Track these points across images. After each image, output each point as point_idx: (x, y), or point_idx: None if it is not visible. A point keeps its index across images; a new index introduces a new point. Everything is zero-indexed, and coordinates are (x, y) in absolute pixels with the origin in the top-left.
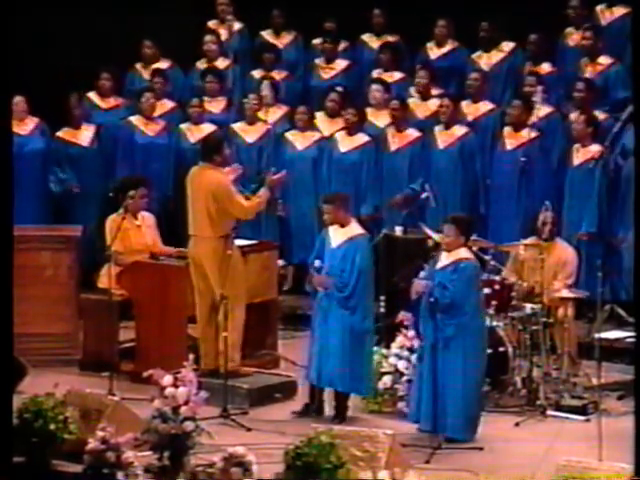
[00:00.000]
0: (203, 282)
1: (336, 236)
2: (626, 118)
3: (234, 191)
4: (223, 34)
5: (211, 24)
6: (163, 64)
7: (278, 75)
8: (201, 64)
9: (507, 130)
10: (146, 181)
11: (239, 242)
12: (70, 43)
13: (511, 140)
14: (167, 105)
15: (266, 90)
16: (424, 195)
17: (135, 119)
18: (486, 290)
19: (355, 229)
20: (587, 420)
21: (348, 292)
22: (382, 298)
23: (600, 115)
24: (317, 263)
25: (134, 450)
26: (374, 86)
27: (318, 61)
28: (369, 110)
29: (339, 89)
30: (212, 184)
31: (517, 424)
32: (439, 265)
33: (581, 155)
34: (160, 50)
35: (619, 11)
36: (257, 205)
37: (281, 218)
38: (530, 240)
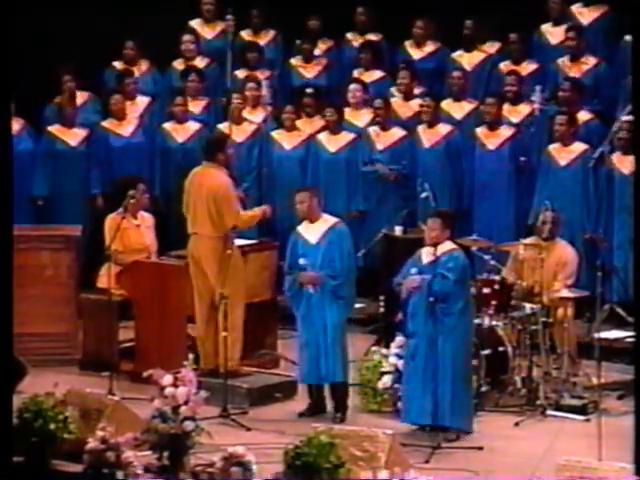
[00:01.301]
0: (202, 281)
1: (311, 233)
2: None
3: (234, 197)
4: (208, 33)
5: (193, 23)
6: (143, 65)
7: (261, 74)
8: (178, 63)
9: (482, 130)
10: (143, 179)
11: (239, 242)
12: (70, 43)
13: (490, 139)
14: (143, 102)
15: (265, 90)
16: (424, 195)
17: (107, 122)
18: (486, 290)
19: (330, 220)
20: (587, 420)
21: (341, 280)
22: (381, 298)
23: (586, 115)
24: (302, 261)
25: (134, 450)
26: (353, 86)
27: (295, 61)
28: (348, 110)
29: (309, 90)
30: (214, 185)
31: (517, 424)
32: (427, 260)
33: (566, 155)
34: (141, 51)
35: (598, 10)
36: (249, 219)
37: (269, 218)
38: (530, 240)
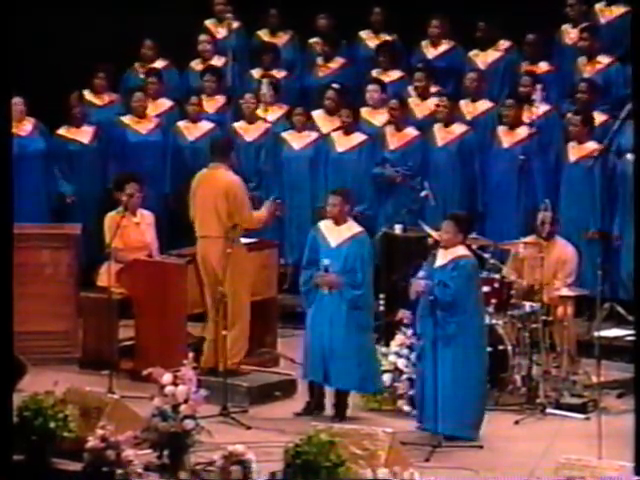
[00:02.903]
0: (213, 284)
1: (333, 235)
2: (624, 116)
3: (246, 196)
4: (221, 32)
5: (207, 23)
6: (160, 63)
7: (278, 74)
8: (196, 64)
9: (502, 129)
10: (136, 177)
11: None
12: (70, 43)
13: (507, 138)
14: (165, 104)
15: (265, 89)
16: (423, 193)
17: (127, 118)
18: (486, 288)
19: (354, 227)
20: (587, 418)
21: (363, 290)
22: (381, 296)
23: (601, 115)
24: (327, 262)
25: (134, 448)
26: (371, 86)
27: (318, 60)
28: (366, 109)
29: (336, 86)
30: (225, 184)
31: (517, 422)
32: (437, 263)
33: (577, 152)
34: (158, 49)
35: (618, 10)
36: (261, 219)
37: (278, 218)
38: (530, 238)
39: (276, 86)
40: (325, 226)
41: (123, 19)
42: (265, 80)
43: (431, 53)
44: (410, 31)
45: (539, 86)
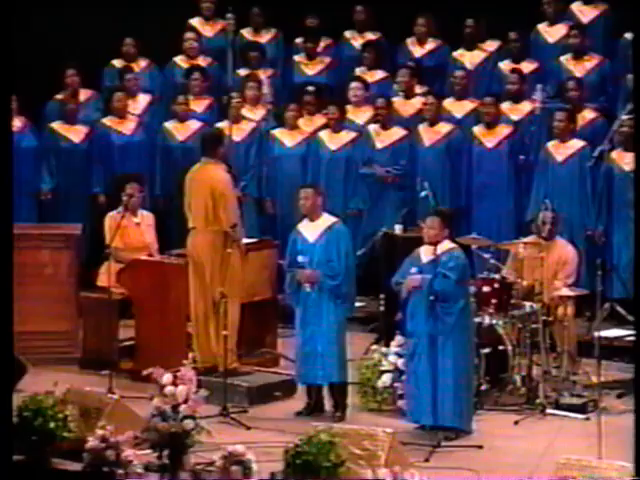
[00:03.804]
0: (200, 278)
1: (310, 232)
2: (625, 114)
3: (232, 195)
4: (209, 32)
5: (193, 22)
6: (142, 62)
7: (263, 73)
8: (180, 60)
9: (480, 128)
10: (137, 178)
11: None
12: (69, 43)
13: (488, 138)
14: (144, 100)
15: (266, 89)
16: (423, 193)
17: (108, 120)
18: (486, 288)
19: (329, 219)
20: (587, 418)
21: (340, 280)
22: (381, 296)
23: (591, 113)
24: (301, 258)
25: (134, 448)
26: (353, 84)
27: (299, 58)
28: (349, 108)
29: (310, 89)
30: (213, 179)
31: (517, 422)
32: (429, 258)
33: (563, 151)
34: (139, 48)
35: (598, 9)
36: (237, 234)
37: (269, 216)
38: (530, 238)
39: (260, 85)
40: (302, 226)
41: (121, 17)
42: (266, 80)
43: (418, 52)
44: (395, 30)
45: (540, 85)
